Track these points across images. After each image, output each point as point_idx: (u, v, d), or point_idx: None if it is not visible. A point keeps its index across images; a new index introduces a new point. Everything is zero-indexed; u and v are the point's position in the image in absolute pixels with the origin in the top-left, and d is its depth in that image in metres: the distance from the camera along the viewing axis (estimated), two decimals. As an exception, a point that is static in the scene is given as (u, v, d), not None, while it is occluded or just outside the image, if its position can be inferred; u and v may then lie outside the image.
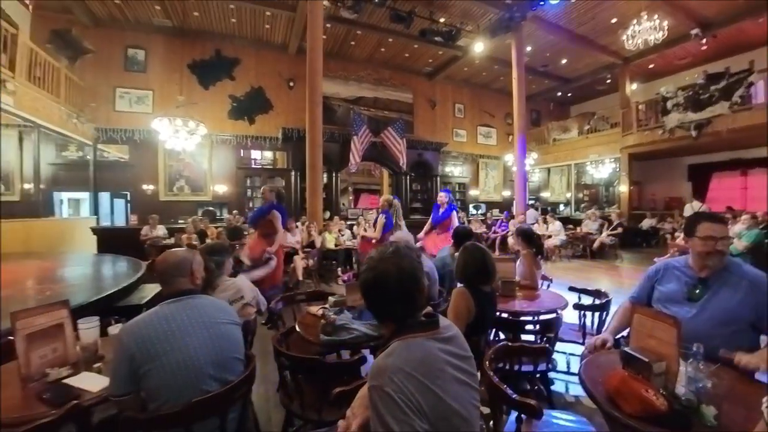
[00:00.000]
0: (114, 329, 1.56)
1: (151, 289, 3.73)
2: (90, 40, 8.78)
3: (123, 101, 9.16)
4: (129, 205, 9.50)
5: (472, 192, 13.72)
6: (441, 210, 5.05)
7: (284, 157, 10.47)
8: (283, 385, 1.93)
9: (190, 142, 7.67)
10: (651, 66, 11.68)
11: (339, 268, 6.55)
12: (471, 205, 13.13)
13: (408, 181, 11.54)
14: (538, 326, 2.30)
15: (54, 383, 1.39)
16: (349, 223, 8.31)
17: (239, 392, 1.46)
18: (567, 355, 2.87)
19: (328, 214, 8.67)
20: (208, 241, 5.74)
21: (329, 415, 1.70)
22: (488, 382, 1.42)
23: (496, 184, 14.40)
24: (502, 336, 2.57)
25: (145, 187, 9.28)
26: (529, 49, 10.49)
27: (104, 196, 9.42)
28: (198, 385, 1.31)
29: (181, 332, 1.31)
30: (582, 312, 2.55)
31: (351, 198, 15.35)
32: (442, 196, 5.15)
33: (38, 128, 7.16)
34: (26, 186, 8.39)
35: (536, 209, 11.55)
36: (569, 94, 14.85)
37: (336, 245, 6.71)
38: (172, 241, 6.44)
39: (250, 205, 9.91)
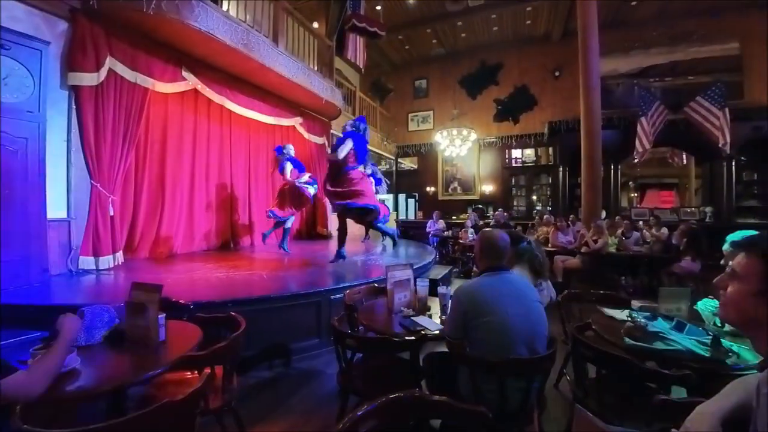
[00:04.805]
0: (442, 289, 2.02)
1: (441, 270, 4.55)
2: (391, 81, 11.80)
3: (413, 123, 11.61)
4: (417, 203, 11.98)
5: None
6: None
7: (548, 152, 9.97)
8: (578, 376, 1.86)
9: (464, 148, 8.71)
10: None
11: (622, 277, 5.55)
12: None
13: (733, 168, 8.21)
14: None
15: (405, 318, 1.96)
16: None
17: (544, 365, 1.55)
18: None
19: (604, 214, 7.53)
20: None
21: (632, 421, 1.52)
22: None
23: None
24: None
25: (428, 189, 11.44)
26: None
27: (401, 197, 12.27)
28: (511, 347, 1.49)
29: (501, 300, 1.53)
30: None
31: (634, 195, 12.63)
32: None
33: (366, 151, 10.24)
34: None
35: None
36: None
37: (618, 249, 5.71)
38: (449, 233, 7.57)
39: (515, 203, 10.11)
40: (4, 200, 2.95)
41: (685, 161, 10.61)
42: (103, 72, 3.70)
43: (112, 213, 3.86)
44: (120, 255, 4.02)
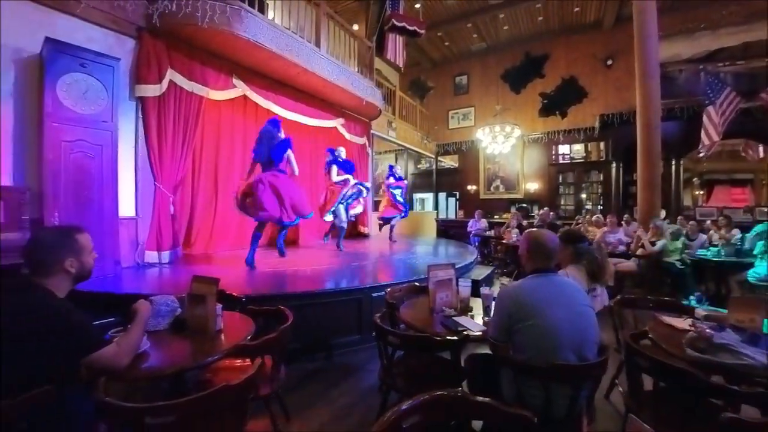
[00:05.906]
0: (485, 290, 1.98)
1: (483, 270, 4.44)
2: (431, 79, 11.72)
3: (453, 120, 11.42)
4: (458, 202, 11.79)
5: None
6: None
7: (598, 148, 9.36)
8: (633, 387, 1.75)
9: (507, 145, 8.43)
10: None
11: (693, 294, 5.03)
12: None
13: (824, 160, 7.24)
14: None
15: (447, 317, 1.95)
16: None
17: (593, 372, 1.47)
18: None
19: (664, 213, 6.94)
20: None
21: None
22: None
23: None
24: None
25: (469, 187, 11.21)
26: None
27: (441, 196, 12.14)
28: (557, 353, 1.42)
29: (547, 303, 1.47)
30: None
31: (699, 193, 11.49)
32: None
33: (406, 150, 10.24)
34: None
35: None
36: None
37: (681, 255, 5.19)
38: (492, 233, 7.36)
39: (562, 201, 9.62)
40: (84, 201, 3.32)
41: (762, 154, 9.47)
42: (165, 83, 4.04)
43: (172, 211, 4.20)
44: (179, 250, 4.37)
